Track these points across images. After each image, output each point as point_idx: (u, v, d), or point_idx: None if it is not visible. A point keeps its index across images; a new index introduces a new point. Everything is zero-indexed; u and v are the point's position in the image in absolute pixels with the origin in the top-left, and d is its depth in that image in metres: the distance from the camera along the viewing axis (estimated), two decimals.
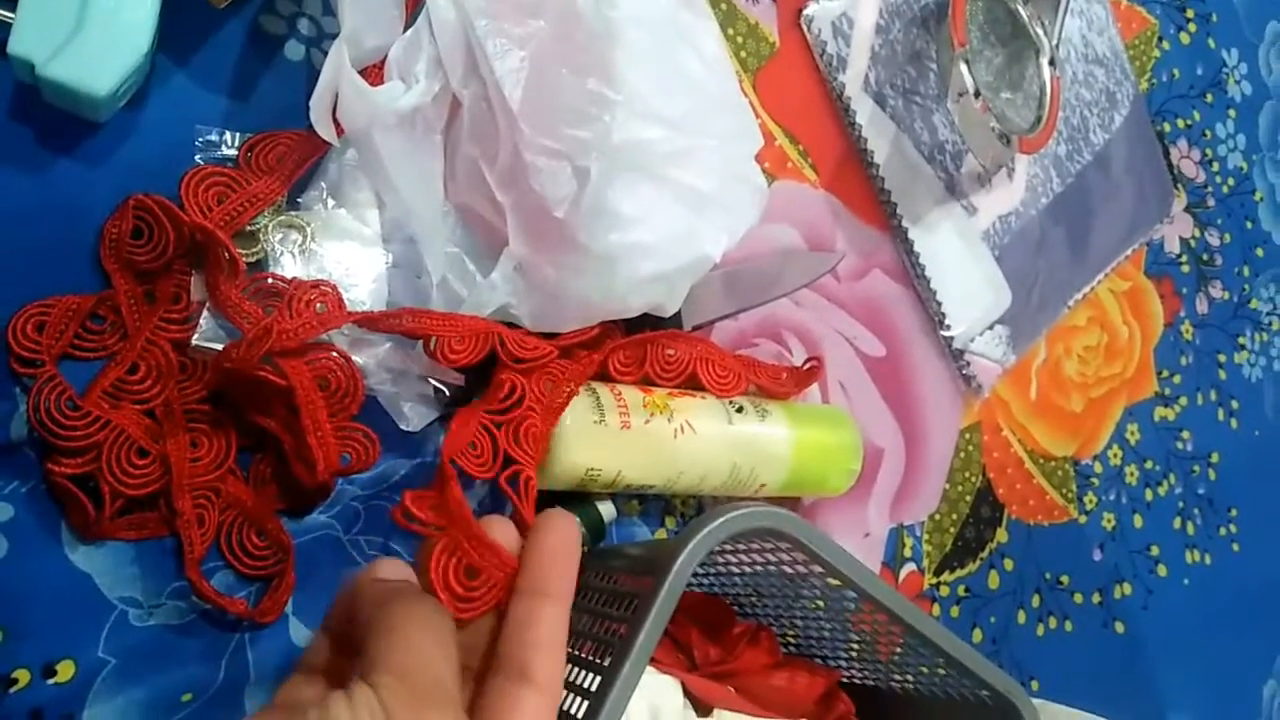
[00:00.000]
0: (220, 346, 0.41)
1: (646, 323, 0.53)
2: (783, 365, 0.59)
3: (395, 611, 0.29)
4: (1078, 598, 0.75)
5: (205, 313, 0.41)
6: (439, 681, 0.28)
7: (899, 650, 0.51)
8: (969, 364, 0.69)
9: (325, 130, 0.42)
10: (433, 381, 0.45)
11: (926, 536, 0.67)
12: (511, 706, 0.30)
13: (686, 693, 0.50)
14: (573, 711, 0.36)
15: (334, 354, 0.42)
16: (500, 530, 0.34)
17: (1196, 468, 0.84)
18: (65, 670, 0.40)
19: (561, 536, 0.33)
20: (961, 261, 0.68)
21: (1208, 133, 0.87)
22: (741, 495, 0.55)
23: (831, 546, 0.45)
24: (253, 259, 0.43)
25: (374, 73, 0.45)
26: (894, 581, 0.66)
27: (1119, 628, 0.78)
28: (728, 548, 0.49)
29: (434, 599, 0.31)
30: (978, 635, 0.69)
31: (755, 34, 0.60)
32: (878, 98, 0.64)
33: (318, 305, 0.42)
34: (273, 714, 0.30)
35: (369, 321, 0.43)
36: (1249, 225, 0.90)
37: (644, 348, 0.52)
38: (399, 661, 0.28)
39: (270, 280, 0.42)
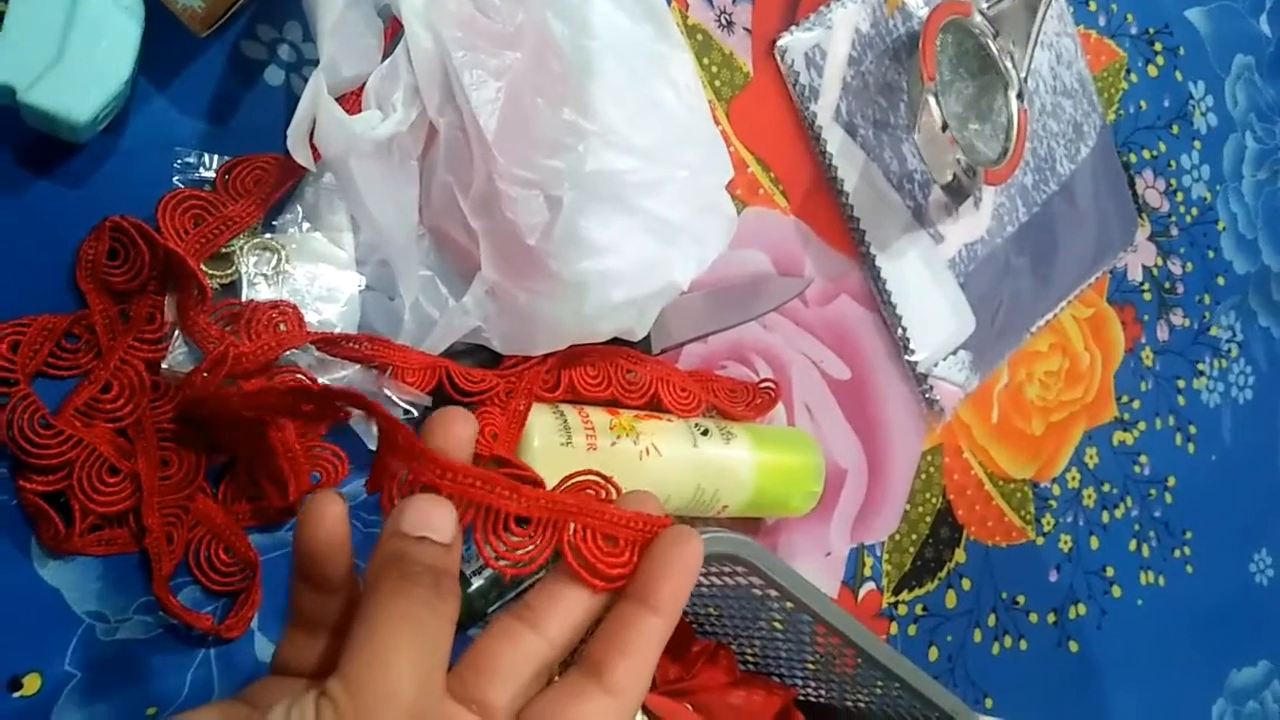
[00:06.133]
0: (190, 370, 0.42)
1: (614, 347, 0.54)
2: (740, 381, 0.61)
3: (378, 609, 0.27)
4: (1033, 617, 0.77)
5: (177, 337, 0.42)
6: (397, 694, 0.26)
7: (853, 670, 0.52)
8: (932, 388, 0.70)
9: (302, 157, 0.43)
10: (399, 402, 0.46)
11: (886, 556, 0.69)
12: (572, 701, 0.28)
13: (645, 710, 0.51)
14: None
15: (299, 376, 0.43)
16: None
17: (1153, 491, 0.86)
18: (31, 683, 0.40)
19: (685, 553, 0.30)
20: (927, 288, 0.69)
21: (1173, 163, 0.89)
22: (704, 516, 0.57)
23: (788, 572, 0.46)
24: (227, 281, 0.44)
25: (352, 99, 0.46)
26: (854, 600, 0.67)
27: (1073, 647, 0.80)
28: None
29: (431, 594, 0.27)
30: (934, 653, 0.71)
31: (730, 64, 0.62)
32: (848, 127, 0.65)
33: (280, 326, 0.43)
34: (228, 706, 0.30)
35: (329, 344, 0.44)
36: (1211, 254, 0.92)
37: (605, 364, 0.53)
38: (356, 673, 0.26)
39: (241, 305, 0.43)
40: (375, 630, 0.27)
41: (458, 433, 0.30)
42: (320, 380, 0.44)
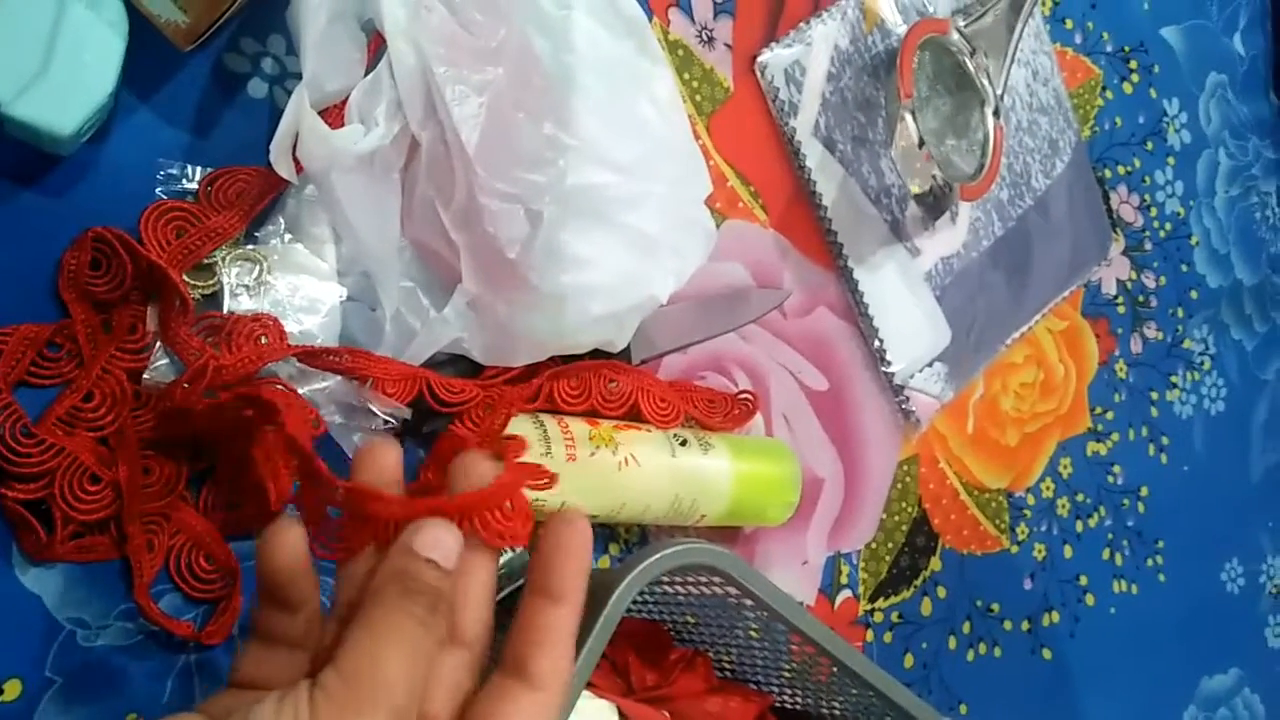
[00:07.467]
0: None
1: (595, 358, 0.55)
2: (718, 392, 0.61)
3: (379, 616, 0.29)
4: (1007, 625, 0.78)
5: (158, 348, 0.42)
6: (388, 690, 0.27)
7: (828, 679, 0.53)
8: (908, 399, 0.71)
9: (285, 170, 0.43)
10: (380, 414, 0.47)
11: (863, 564, 0.70)
12: (502, 703, 0.30)
13: (623, 717, 0.51)
14: None
15: (280, 388, 0.43)
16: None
17: (1126, 501, 0.88)
18: (11, 689, 0.41)
19: (571, 538, 0.32)
20: (903, 301, 0.70)
21: (1147, 179, 0.90)
22: (683, 526, 0.57)
23: (764, 583, 0.47)
24: (209, 292, 0.44)
25: (335, 113, 0.46)
26: (830, 607, 0.68)
27: (1046, 654, 0.81)
28: (664, 579, 0.51)
29: (428, 614, 0.30)
30: (909, 660, 0.72)
31: (710, 79, 0.63)
32: (827, 142, 0.66)
33: (261, 338, 0.43)
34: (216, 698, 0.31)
35: (309, 356, 0.44)
36: (1184, 269, 0.94)
37: (587, 376, 0.54)
38: (352, 665, 0.28)
39: (222, 318, 0.43)
40: (374, 632, 0.29)
41: (383, 463, 0.33)
42: (302, 391, 0.44)
